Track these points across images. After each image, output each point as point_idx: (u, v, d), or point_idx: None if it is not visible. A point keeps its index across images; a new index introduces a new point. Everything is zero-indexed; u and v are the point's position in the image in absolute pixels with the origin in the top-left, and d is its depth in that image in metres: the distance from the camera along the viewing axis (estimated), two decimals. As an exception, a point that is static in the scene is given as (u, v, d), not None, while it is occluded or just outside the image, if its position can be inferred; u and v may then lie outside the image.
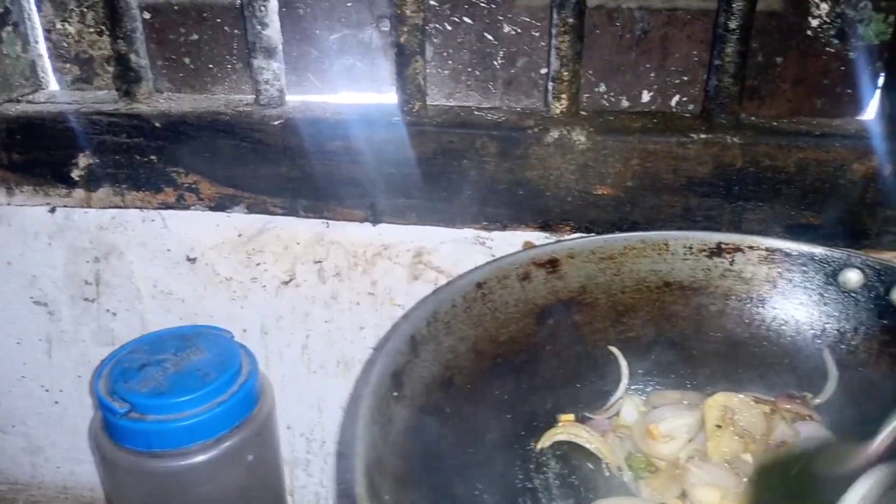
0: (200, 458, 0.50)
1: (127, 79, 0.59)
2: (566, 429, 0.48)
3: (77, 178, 0.59)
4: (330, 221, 0.59)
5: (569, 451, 0.47)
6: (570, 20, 0.52)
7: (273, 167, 0.56)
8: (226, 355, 0.53)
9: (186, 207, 0.59)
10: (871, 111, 0.55)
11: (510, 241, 0.57)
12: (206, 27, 0.60)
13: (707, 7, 0.55)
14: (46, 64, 0.65)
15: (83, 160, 0.59)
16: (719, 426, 0.45)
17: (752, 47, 0.52)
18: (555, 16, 0.52)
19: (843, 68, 0.54)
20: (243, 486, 0.54)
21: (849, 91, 0.55)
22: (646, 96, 0.58)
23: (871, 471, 0.37)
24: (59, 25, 0.63)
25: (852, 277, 0.47)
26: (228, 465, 0.52)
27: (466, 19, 0.58)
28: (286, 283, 0.61)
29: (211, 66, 0.62)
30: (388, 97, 0.60)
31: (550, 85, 0.55)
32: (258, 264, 0.61)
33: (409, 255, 0.59)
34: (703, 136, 0.51)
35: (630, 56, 0.57)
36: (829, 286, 0.48)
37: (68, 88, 0.65)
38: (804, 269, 0.48)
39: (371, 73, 0.61)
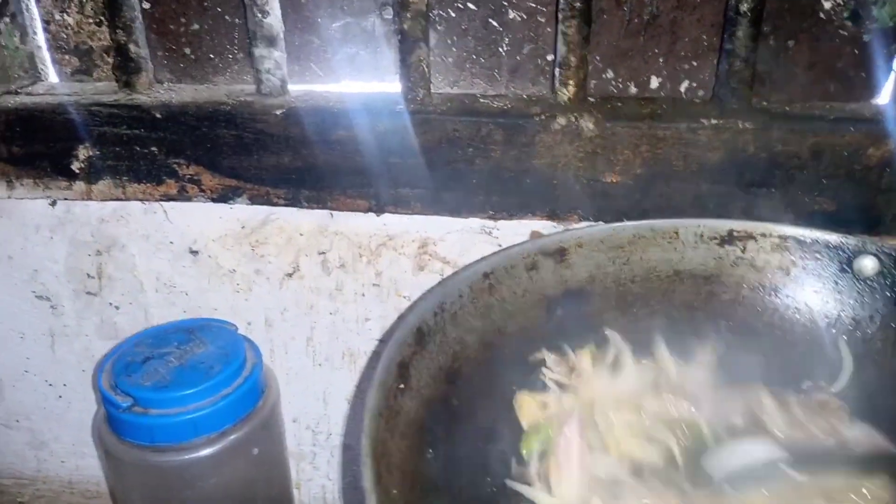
0: (205, 451, 0.50)
1: (126, 69, 0.58)
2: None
3: (77, 171, 0.59)
4: (334, 212, 0.58)
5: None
6: (577, 4, 0.51)
7: (275, 157, 0.55)
8: (230, 348, 0.53)
9: (188, 199, 0.59)
10: (885, 95, 0.54)
11: (517, 231, 0.56)
12: (206, 16, 0.59)
13: (717, -10, 0.53)
14: (45, 55, 0.64)
15: (83, 152, 0.58)
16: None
17: (763, 31, 0.51)
18: (561, 0, 0.51)
19: (856, 52, 0.53)
20: (248, 480, 0.53)
21: (863, 75, 0.54)
22: (654, 82, 0.57)
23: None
24: (57, 16, 0.62)
25: (868, 265, 0.46)
26: (233, 458, 0.51)
27: (471, 5, 0.56)
28: (290, 274, 0.61)
29: (212, 56, 0.61)
30: (392, 86, 0.59)
31: (557, 71, 0.54)
32: (262, 256, 0.60)
33: (414, 245, 0.58)
34: (714, 121, 0.50)
35: (638, 41, 0.56)
36: (844, 274, 0.47)
37: (68, 80, 0.64)
38: (818, 256, 0.47)
39: (374, 61, 0.60)
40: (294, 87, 0.58)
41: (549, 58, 0.57)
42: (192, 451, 0.50)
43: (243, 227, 0.60)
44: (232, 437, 0.51)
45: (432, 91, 0.56)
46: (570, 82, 0.53)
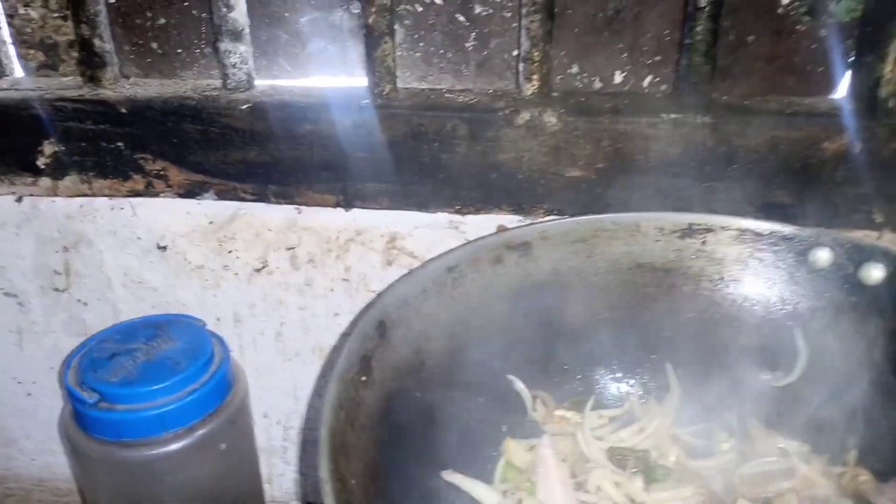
0: (172, 447, 0.50)
1: (91, 64, 0.58)
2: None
3: (43, 166, 0.58)
4: (302, 207, 0.58)
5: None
6: None
7: (242, 152, 0.55)
8: (197, 343, 0.53)
9: (156, 195, 0.58)
10: (842, 90, 0.55)
11: (484, 225, 0.57)
12: (173, 10, 0.59)
13: (679, -14, 0.54)
14: (10, 50, 0.63)
15: (49, 147, 0.57)
16: None
17: (723, 26, 0.52)
18: (524, -5, 0.51)
19: (814, 47, 0.54)
20: (217, 475, 0.53)
21: (820, 69, 0.55)
22: (618, 77, 0.58)
23: None
24: (21, 10, 0.61)
25: (822, 256, 0.47)
26: (201, 453, 0.51)
27: (437, 0, 0.57)
28: (259, 270, 0.61)
29: (179, 50, 0.61)
30: (360, 80, 0.59)
31: (521, 66, 0.54)
32: (230, 252, 0.60)
33: (382, 240, 0.59)
34: (673, 116, 0.51)
35: (602, 36, 0.56)
36: (800, 265, 0.48)
37: (33, 75, 0.63)
38: (775, 248, 0.48)
39: (342, 56, 0.60)
40: (261, 82, 0.58)
41: (515, 53, 0.58)
42: (160, 447, 0.50)
43: (211, 223, 0.60)
44: (199, 432, 0.51)
45: (399, 86, 0.56)
46: (535, 77, 0.54)
